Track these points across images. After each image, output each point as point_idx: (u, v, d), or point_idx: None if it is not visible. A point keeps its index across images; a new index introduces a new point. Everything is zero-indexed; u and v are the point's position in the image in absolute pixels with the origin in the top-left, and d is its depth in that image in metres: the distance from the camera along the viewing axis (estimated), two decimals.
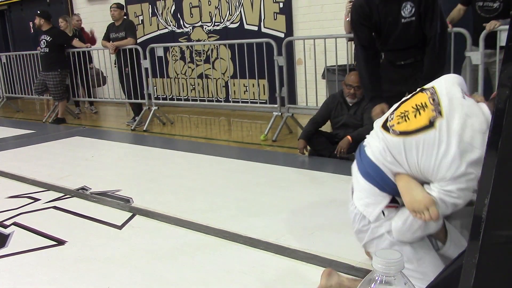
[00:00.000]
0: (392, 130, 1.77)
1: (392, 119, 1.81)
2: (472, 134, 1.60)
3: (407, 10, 3.10)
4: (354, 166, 1.94)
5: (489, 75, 4.36)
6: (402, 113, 1.79)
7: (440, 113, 1.67)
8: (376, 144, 1.82)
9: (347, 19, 5.06)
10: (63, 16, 7.70)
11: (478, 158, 1.58)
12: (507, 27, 3.73)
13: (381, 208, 1.80)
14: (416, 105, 1.75)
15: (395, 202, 1.82)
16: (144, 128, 6.26)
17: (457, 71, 4.40)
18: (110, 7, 6.61)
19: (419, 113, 1.72)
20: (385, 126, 1.82)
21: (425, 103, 1.72)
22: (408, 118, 1.74)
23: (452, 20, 4.38)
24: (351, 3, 4.56)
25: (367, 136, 1.97)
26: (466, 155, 1.59)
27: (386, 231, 1.82)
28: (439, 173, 1.65)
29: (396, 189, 1.78)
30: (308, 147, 4.27)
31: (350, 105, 4.19)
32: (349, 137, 3.94)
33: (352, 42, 5.24)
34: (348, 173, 2.02)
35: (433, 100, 1.71)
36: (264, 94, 6.97)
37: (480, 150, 1.57)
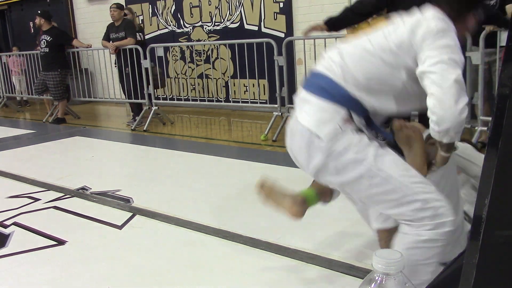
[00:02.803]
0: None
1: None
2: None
3: None
4: (300, 95, 1.81)
5: (490, 74, 4.36)
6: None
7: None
8: (331, 58, 1.73)
9: None
10: (128, 8, 7.29)
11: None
12: None
13: (336, 122, 1.62)
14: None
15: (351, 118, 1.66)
16: (144, 128, 6.26)
17: None
18: (110, 7, 6.61)
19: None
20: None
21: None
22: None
23: None
24: None
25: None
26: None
27: (344, 147, 1.61)
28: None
29: (350, 98, 1.65)
30: None
31: None
32: None
33: None
34: None
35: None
36: (264, 94, 6.97)
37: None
